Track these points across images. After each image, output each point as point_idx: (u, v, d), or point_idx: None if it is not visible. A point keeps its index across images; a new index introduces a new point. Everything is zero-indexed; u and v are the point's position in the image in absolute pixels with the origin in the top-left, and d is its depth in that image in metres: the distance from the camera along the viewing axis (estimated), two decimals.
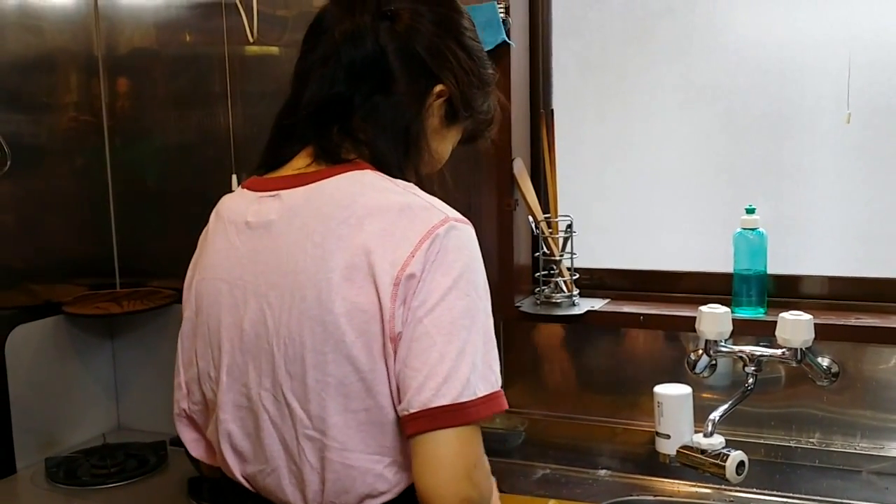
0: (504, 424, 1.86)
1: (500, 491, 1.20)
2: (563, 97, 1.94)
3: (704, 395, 1.72)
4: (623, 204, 1.92)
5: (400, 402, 0.97)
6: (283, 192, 1.06)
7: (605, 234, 1.92)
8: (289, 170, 1.09)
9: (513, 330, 1.88)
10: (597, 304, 1.83)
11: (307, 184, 1.04)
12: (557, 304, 1.82)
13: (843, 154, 1.73)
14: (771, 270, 1.72)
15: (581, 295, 1.85)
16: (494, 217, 1.83)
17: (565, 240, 1.84)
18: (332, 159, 1.06)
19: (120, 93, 2.21)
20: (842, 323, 1.62)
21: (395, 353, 0.97)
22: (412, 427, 0.95)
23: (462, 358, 0.95)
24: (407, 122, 1.07)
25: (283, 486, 1.05)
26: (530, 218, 1.86)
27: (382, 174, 1.05)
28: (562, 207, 1.86)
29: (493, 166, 1.82)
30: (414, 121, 1.08)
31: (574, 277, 1.85)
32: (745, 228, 1.70)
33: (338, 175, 1.04)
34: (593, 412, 1.83)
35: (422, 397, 0.94)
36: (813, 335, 1.52)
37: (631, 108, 1.89)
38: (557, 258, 1.84)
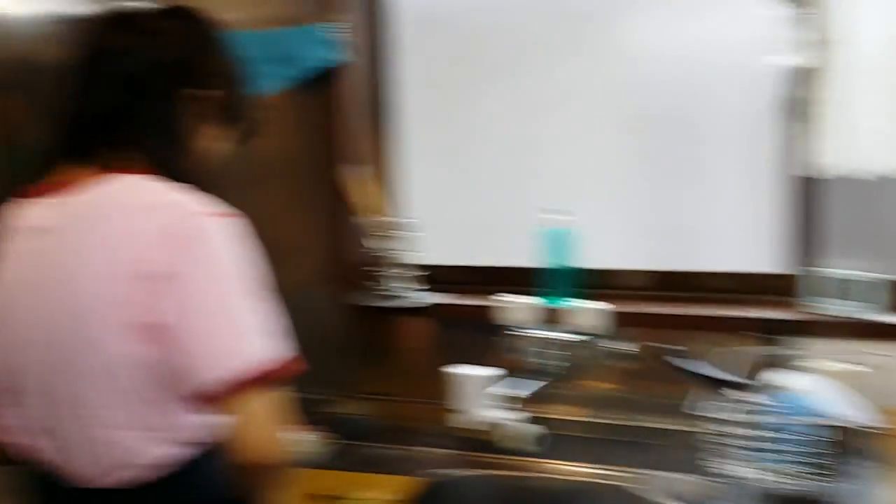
0: (351, 410, 2.00)
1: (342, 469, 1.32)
2: (414, 108, 2.09)
3: (516, 377, 1.84)
4: (467, 205, 2.07)
5: (184, 384, 1.07)
6: (64, 199, 1.13)
7: (447, 233, 2.06)
8: (71, 175, 1.15)
9: (351, 323, 2.02)
10: (429, 297, 1.97)
11: (85, 189, 1.12)
12: (390, 299, 1.96)
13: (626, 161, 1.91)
14: (587, 265, 1.84)
15: (415, 290, 1.98)
16: (328, 215, 1.99)
17: (400, 237, 1.97)
18: (110, 166, 1.14)
19: None
20: (638, 311, 1.80)
21: (159, 342, 1.06)
22: (209, 401, 1.07)
23: (238, 333, 1.08)
24: (174, 127, 1.18)
25: (70, 460, 1.14)
26: (363, 218, 1.99)
27: (155, 176, 1.13)
28: (407, 208, 2.00)
29: (329, 168, 1.97)
30: (180, 124, 1.19)
31: (411, 274, 1.98)
32: (552, 228, 1.82)
33: (112, 180, 1.13)
34: (424, 395, 1.95)
35: (212, 374, 1.06)
36: (611, 322, 1.69)
37: (471, 118, 2.05)
38: (390, 254, 1.96)
